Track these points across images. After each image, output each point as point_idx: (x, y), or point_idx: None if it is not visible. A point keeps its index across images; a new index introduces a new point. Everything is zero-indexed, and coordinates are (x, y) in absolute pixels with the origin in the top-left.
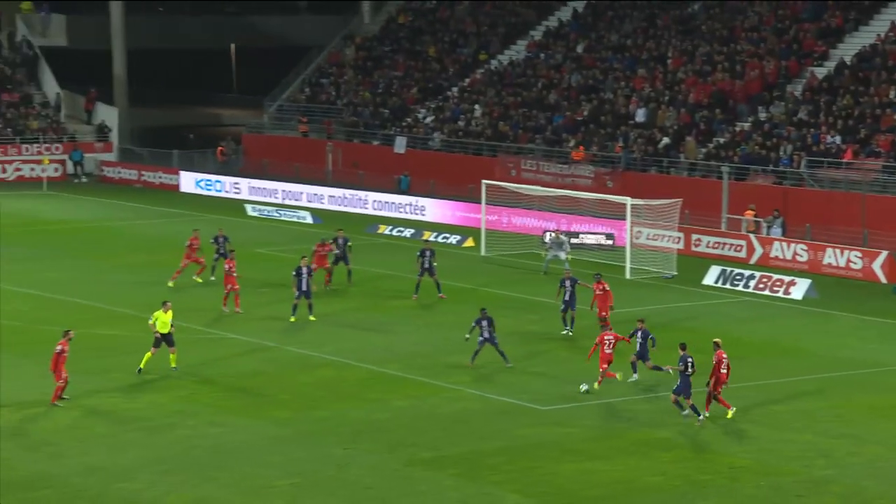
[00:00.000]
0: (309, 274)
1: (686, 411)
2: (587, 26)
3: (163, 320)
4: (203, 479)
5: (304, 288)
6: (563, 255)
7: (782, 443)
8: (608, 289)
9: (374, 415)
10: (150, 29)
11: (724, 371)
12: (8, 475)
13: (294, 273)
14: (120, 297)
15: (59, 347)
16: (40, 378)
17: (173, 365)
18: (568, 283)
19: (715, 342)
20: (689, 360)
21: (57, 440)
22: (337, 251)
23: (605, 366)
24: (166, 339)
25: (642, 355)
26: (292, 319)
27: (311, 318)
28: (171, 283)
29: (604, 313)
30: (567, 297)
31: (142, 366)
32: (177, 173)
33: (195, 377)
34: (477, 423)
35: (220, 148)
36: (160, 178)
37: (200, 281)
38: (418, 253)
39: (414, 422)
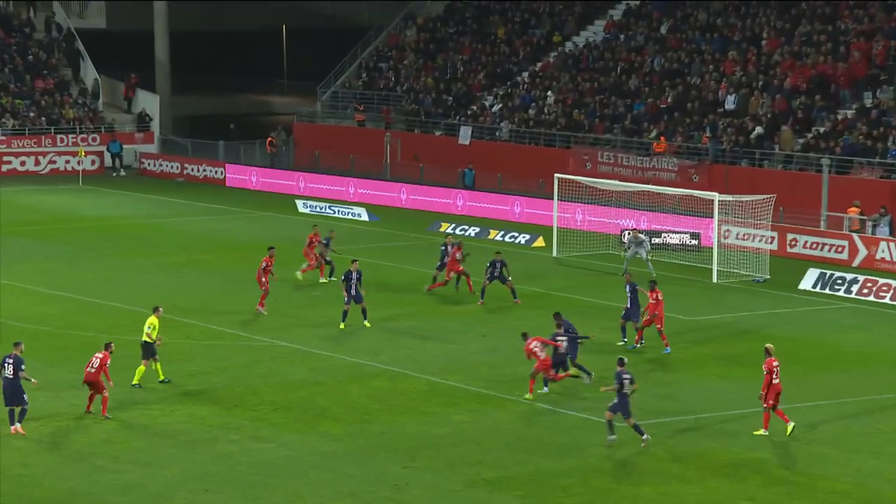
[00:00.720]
0: (359, 279)
1: (613, 436)
2: (672, 4)
3: (151, 326)
4: (247, 500)
5: (353, 293)
6: (643, 255)
7: (887, 465)
8: (660, 298)
9: (433, 430)
10: (194, 10)
11: (777, 381)
12: (38, 493)
13: (343, 278)
14: (158, 300)
15: (97, 359)
16: (70, 388)
17: (135, 382)
18: (628, 288)
19: (766, 348)
20: (626, 377)
21: (91, 455)
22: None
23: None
24: (145, 347)
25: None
26: (342, 326)
27: (366, 324)
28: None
29: (651, 325)
30: (628, 305)
31: (161, 377)
32: (222, 166)
33: (239, 387)
34: (547, 439)
35: (269, 139)
36: (205, 171)
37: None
38: (488, 264)
39: (477, 437)
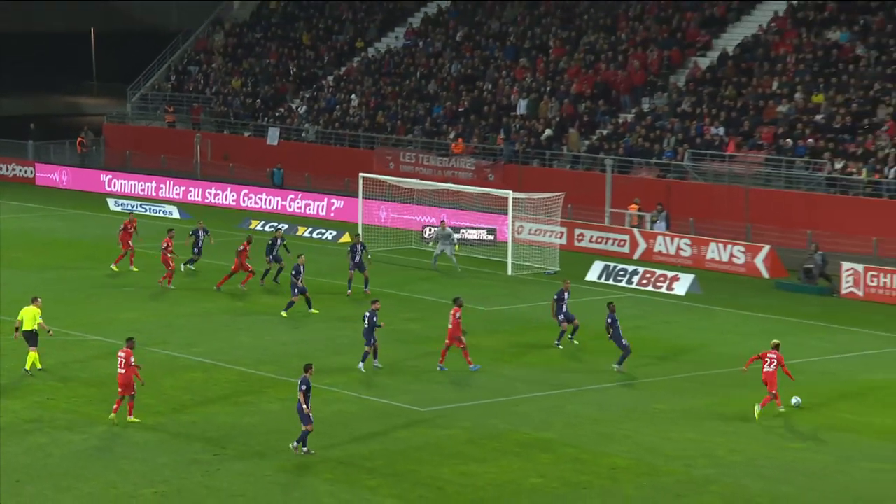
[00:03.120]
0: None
1: (306, 448)
2: (467, 13)
3: (28, 316)
4: (59, 490)
5: (300, 285)
6: (449, 251)
7: (663, 442)
8: (458, 318)
9: (244, 419)
10: (1, 10)
11: (770, 370)
12: None
13: (293, 273)
14: None
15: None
16: None
17: (27, 367)
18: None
19: (773, 343)
20: (304, 387)
21: None
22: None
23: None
24: (28, 337)
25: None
26: (284, 314)
27: (314, 311)
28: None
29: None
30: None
31: (27, 367)
32: (32, 165)
33: (53, 381)
34: (354, 425)
35: (79, 138)
36: (13, 170)
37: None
38: (349, 248)
39: (286, 426)
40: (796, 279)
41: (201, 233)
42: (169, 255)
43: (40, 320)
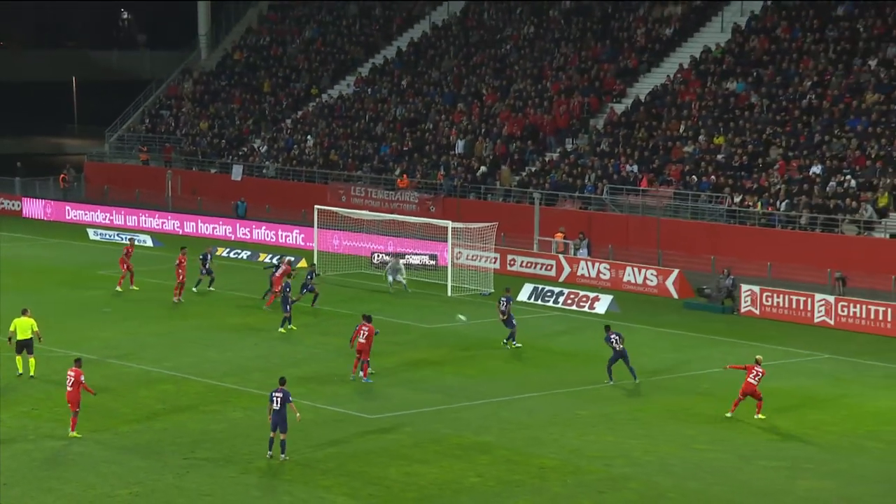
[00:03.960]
0: (284, 290)
1: (284, 456)
2: (410, 64)
3: (22, 326)
4: (42, 491)
5: (290, 301)
6: (401, 279)
7: (586, 444)
8: (369, 334)
9: (211, 426)
10: None
11: (753, 381)
12: None
13: (284, 287)
14: None
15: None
16: None
17: (31, 373)
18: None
19: (758, 358)
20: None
21: None
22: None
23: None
24: (26, 345)
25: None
26: (284, 329)
27: (292, 327)
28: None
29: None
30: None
31: (20, 370)
32: (19, 199)
33: (36, 394)
34: (309, 431)
35: (62, 175)
36: (2, 204)
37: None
38: (308, 275)
39: (250, 432)
40: (701, 299)
41: (209, 256)
42: (180, 271)
43: (36, 329)
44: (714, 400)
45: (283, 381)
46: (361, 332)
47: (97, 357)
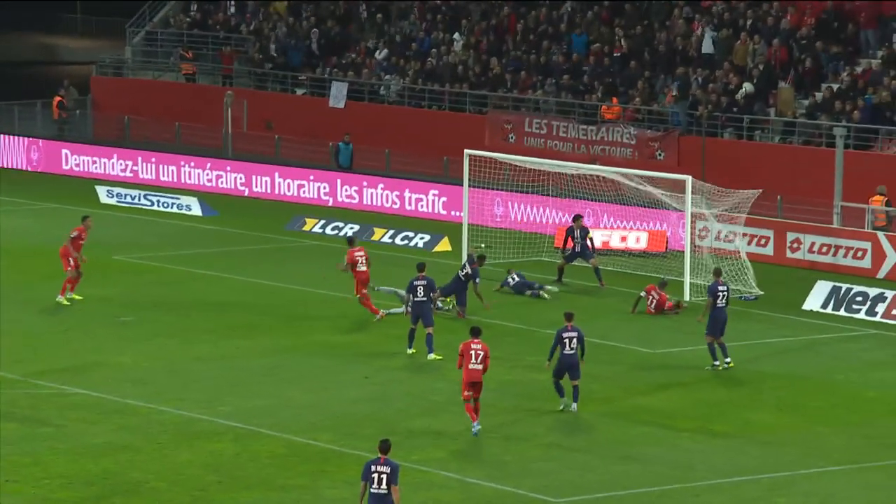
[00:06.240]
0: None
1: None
2: None
3: None
4: None
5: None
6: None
7: None
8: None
9: None
10: None
11: None
12: None
13: (408, 288)
14: None
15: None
16: None
17: None
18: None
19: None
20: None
21: None
22: None
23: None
24: None
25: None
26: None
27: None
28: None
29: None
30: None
31: None
32: None
33: (18, 454)
34: None
35: (56, 98)
36: None
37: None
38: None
39: None
40: None
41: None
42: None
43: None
44: None
45: (386, 448)
46: (473, 353)
47: (111, 396)
